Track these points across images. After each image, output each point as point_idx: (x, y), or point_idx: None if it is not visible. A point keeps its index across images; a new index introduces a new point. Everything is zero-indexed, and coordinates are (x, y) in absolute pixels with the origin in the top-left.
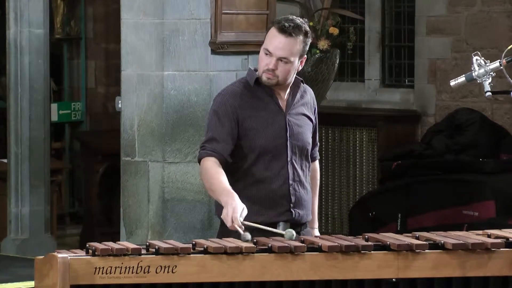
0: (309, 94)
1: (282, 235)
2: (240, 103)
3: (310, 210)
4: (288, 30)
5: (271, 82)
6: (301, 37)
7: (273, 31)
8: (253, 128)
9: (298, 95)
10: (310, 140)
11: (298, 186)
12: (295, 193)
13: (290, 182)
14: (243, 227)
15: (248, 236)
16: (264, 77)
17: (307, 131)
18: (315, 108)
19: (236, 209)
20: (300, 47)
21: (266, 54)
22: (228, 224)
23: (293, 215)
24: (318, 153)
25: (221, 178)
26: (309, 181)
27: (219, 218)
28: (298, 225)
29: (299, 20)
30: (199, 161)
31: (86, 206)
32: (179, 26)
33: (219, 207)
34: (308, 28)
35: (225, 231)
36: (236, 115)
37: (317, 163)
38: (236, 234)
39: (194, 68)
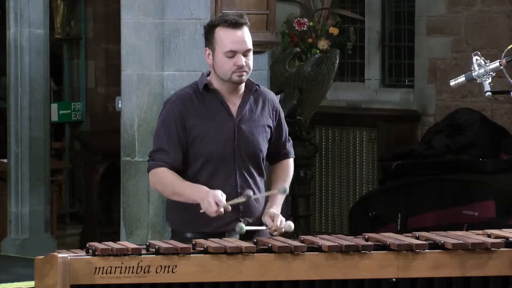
0: (267, 97)
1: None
2: (188, 109)
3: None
4: (238, 22)
5: (244, 79)
6: (248, 23)
7: (223, 31)
8: (199, 135)
9: (251, 101)
10: (264, 148)
11: None
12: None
13: (239, 190)
14: (229, 207)
15: (242, 226)
16: (236, 77)
17: (260, 138)
18: (275, 110)
19: (216, 195)
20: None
21: (229, 56)
22: (213, 210)
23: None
24: (292, 150)
25: (182, 180)
26: (261, 187)
27: (169, 224)
28: (249, 232)
29: (231, 11)
30: (149, 171)
31: (86, 206)
32: (179, 26)
33: (170, 212)
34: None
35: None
36: (184, 122)
37: (290, 160)
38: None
39: (194, 68)
